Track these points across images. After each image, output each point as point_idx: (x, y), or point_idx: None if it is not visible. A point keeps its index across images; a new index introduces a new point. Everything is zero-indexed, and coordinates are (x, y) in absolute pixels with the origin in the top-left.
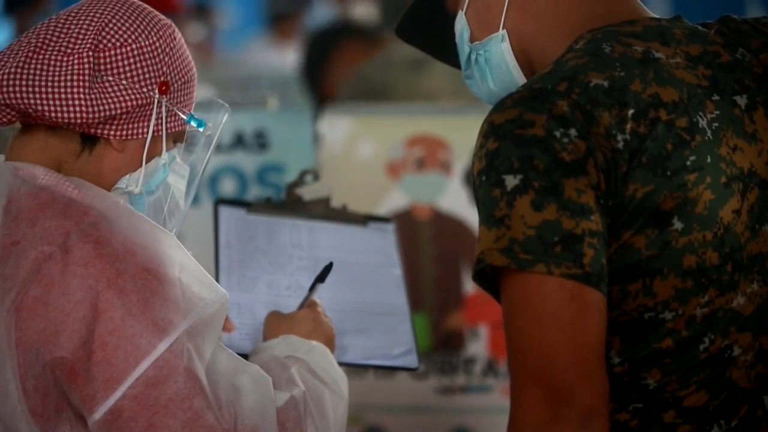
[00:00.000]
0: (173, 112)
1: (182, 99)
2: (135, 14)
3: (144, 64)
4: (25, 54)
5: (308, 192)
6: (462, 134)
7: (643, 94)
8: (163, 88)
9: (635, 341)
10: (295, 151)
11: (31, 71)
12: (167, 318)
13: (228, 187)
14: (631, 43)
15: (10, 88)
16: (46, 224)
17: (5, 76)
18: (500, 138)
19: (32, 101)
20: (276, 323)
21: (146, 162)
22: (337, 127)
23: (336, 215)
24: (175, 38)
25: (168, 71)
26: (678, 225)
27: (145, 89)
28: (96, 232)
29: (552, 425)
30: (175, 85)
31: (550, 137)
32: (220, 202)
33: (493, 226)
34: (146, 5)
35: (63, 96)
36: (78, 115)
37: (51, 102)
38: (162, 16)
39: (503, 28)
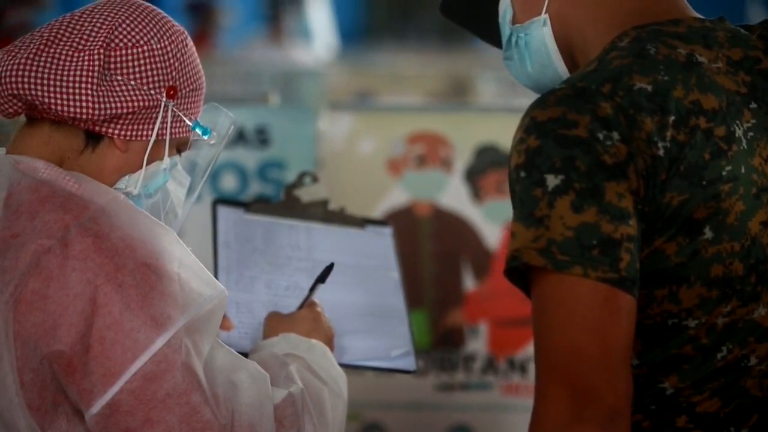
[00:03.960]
0: (179, 118)
1: (189, 106)
2: (149, 17)
3: (154, 66)
4: (36, 46)
5: (306, 194)
6: (463, 131)
7: (684, 100)
8: (171, 92)
9: (656, 345)
10: (296, 147)
11: (41, 64)
12: (165, 313)
13: (229, 183)
14: (675, 45)
15: (19, 79)
16: (45, 218)
17: (15, 67)
18: (543, 136)
19: (40, 93)
20: (276, 322)
21: (147, 165)
22: (338, 124)
23: (334, 217)
24: (186, 45)
25: (177, 76)
26: (709, 234)
27: (152, 91)
28: (95, 226)
29: (575, 425)
30: (183, 91)
31: (593, 139)
32: (218, 202)
33: (532, 225)
34: (161, 10)
35: (71, 91)
36: (84, 111)
37: (58, 96)
38: (175, 23)
39: (545, 13)
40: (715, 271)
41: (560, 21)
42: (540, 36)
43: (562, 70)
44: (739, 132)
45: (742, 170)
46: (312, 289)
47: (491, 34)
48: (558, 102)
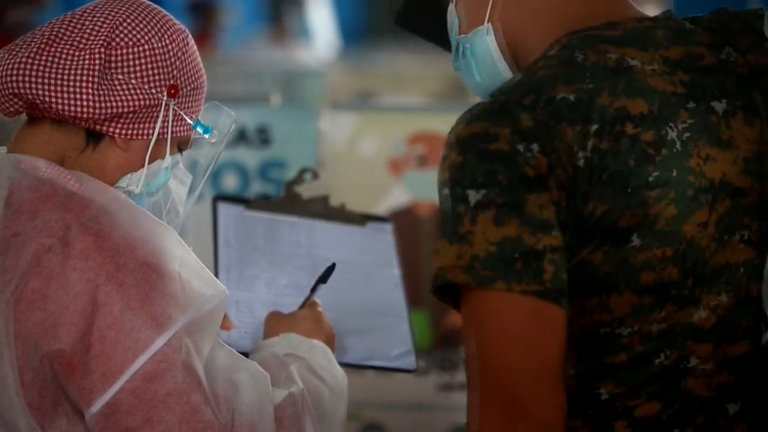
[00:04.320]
0: (180, 117)
1: (190, 105)
2: (150, 16)
3: (155, 65)
4: (37, 45)
5: (307, 190)
6: None
7: (609, 107)
8: (172, 91)
9: (590, 355)
10: (297, 147)
11: (42, 63)
12: (166, 313)
13: (230, 182)
14: (607, 50)
15: (20, 78)
16: (46, 217)
17: (16, 66)
18: (465, 151)
19: (40, 92)
20: (276, 322)
21: (149, 163)
22: (339, 124)
23: (334, 214)
24: (187, 44)
25: (178, 75)
26: (637, 242)
27: (153, 90)
28: (96, 225)
29: None
30: (184, 90)
31: (513, 152)
32: (218, 198)
33: (456, 242)
34: (162, 9)
35: (72, 89)
36: (85, 109)
37: (59, 95)
38: (176, 21)
39: (488, 21)
40: (646, 278)
41: (505, 29)
42: (484, 45)
43: (510, 78)
44: (672, 134)
45: (674, 173)
46: (313, 289)
47: (449, 44)
48: (480, 117)
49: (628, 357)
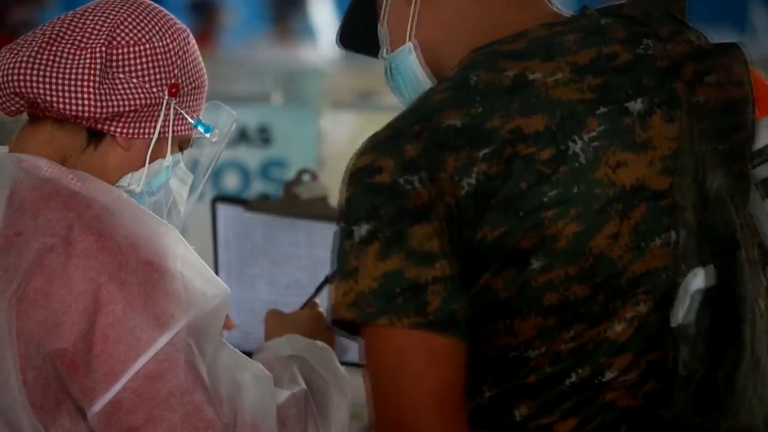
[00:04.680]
0: (181, 116)
1: (191, 104)
2: (151, 15)
3: (156, 64)
4: (38, 45)
5: (306, 191)
6: None
7: (501, 130)
8: (173, 90)
9: (503, 377)
10: (298, 146)
11: (43, 62)
12: (168, 312)
13: (231, 181)
14: (505, 67)
15: (21, 78)
16: (49, 216)
17: (17, 65)
18: (353, 185)
19: (41, 92)
20: (278, 322)
21: (150, 162)
22: (341, 123)
23: (334, 215)
24: (188, 43)
25: (179, 74)
26: (536, 264)
27: (154, 89)
28: (99, 224)
29: None
30: (185, 89)
31: (396, 184)
32: (217, 199)
33: (344, 278)
34: (163, 8)
35: (72, 89)
36: (86, 109)
37: (60, 94)
38: (177, 20)
39: (410, 40)
40: (549, 300)
41: (426, 47)
42: (408, 64)
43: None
44: (575, 147)
45: (576, 189)
46: (318, 289)
47: None
48: (371, 148)
49: (537, 378)
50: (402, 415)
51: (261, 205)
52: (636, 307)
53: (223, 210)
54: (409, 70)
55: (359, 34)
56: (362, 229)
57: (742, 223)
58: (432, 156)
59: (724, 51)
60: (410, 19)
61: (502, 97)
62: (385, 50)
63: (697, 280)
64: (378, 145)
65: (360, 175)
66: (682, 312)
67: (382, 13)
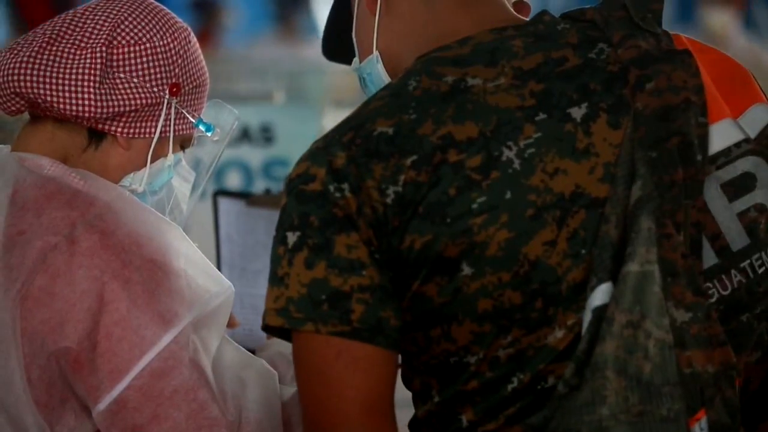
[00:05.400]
0: (182, 115)
1: (192, 103)
2: (151, 14)
3: (156, 63)
4: (39, 44)
5: None
6: None
7: (431, 136)
8: (174, 89)
9: (447, 383)
10: (300, 145)
11: (44, 62)
12: (172, 309)
13: (233, 180)
14: (445, 72)
15: (21, 77)
16: (52, 215)
17: (17, 65)
18: (288, 193)
19: (42, 92)
20: None
21: (151, 162)
22: None
23: None
24: (189, 42)
25: (180, 73)
26: (468, 270)
27: (155, 89)
28: (102, 223)
29: None
30: (186, 88)
31: (325, 192)
32: (219, 193)
33: (275, 284)
34: (164, 7)
35: (73, 89)
36: (86, 109)
37: (60, 94)
38: (178, 19)
39: (377, 49)
40: (483, 306)
41: (387, 55)
42: (377, 73)
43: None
44: (509, 153)
45: (507, 195)
46: None
47: None
48: (307, 156)
49: (479, 383)
50: (326, 422)
51: (263, 199)
52: (577, 314)
53: (225, 204)
54: (378, 78)
55: (340, 44)
56: (294, 236)
57: (668, 232)
58: (360, 164)
59: (671, 57)
60: (375, 29)
61: (437, 104)
62: (356, 61)
63: (600, 294)
64: (313, 153)
65: (295, 182)
66: (584, 327)
67: (353, 24)
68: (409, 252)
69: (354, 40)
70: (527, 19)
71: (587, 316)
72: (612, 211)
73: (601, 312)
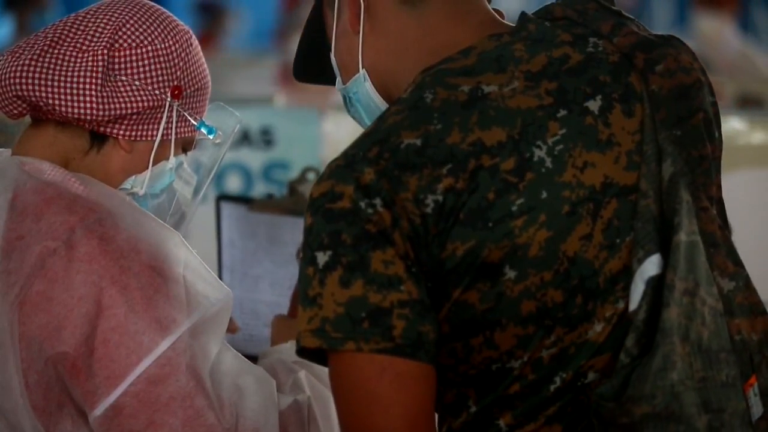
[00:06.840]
0: (184, 118)
1: (194, 105)
2: (153, 17)
3: (158, 66)
4: (40, 48)
5: (310, 189)
6: None
7: (462, 144)
8: (176, 92)
9: (487, 391)
10: (300, 148)
11: (45, 65)
12: (170, 316)
13: (233, 183)
14: (458, 83)
15: (23, 81)
16: (51, 219)
17: (19, 68)
18: (314, 213)
19: (44, 95)
20: (284, 327)
21: (153, 165)
22: (343, 125)
23: None
24: (191, 44)
25: (182, 76)
26: (510, 273)
27: (157, 91)
28: (101, 228)
29: None
30: (188, 91)
31: (356, 209)
32: (221, 197)
33: (308, 306)
34: (165, 10)
35: (75, 92)
36: (88, 111)
37: (62, 97)
38: (180, 22)
39: (363, 68)
40: (527, 308)
41: (375, 73)
42: (364, 92)
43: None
44: (540, 153)
45: (544, 195)
46: None
47: None
48: (329, 175)
49: (521, 386)
50: None
51: (265, 204)
52: (615, 305)
53: (228, 209)
54: (365, 97)
55: (314, 64)
56: (325, 255)
57: (704, 206)
58: (392, 177)
59: (669, 41)
60: (359, 47)
61: (459, 113)
62: (339, 82)
63: (652, 266)
64: (335, 171)
65: (320, 202)
66: (636, 298)
67: (332, 44)
68: (451, 260)
69: (334, 60)
70: (513, 25)
71: (638, 288)
72: (649, 186)
73: (657, 281)
